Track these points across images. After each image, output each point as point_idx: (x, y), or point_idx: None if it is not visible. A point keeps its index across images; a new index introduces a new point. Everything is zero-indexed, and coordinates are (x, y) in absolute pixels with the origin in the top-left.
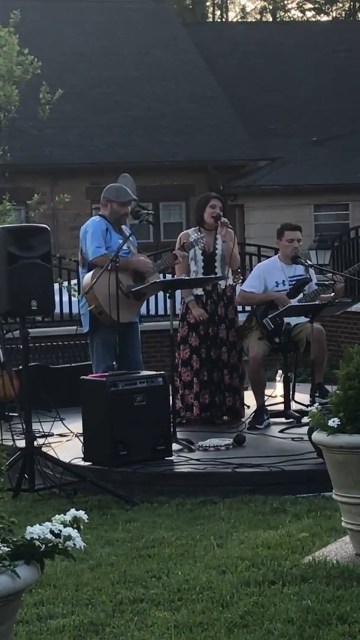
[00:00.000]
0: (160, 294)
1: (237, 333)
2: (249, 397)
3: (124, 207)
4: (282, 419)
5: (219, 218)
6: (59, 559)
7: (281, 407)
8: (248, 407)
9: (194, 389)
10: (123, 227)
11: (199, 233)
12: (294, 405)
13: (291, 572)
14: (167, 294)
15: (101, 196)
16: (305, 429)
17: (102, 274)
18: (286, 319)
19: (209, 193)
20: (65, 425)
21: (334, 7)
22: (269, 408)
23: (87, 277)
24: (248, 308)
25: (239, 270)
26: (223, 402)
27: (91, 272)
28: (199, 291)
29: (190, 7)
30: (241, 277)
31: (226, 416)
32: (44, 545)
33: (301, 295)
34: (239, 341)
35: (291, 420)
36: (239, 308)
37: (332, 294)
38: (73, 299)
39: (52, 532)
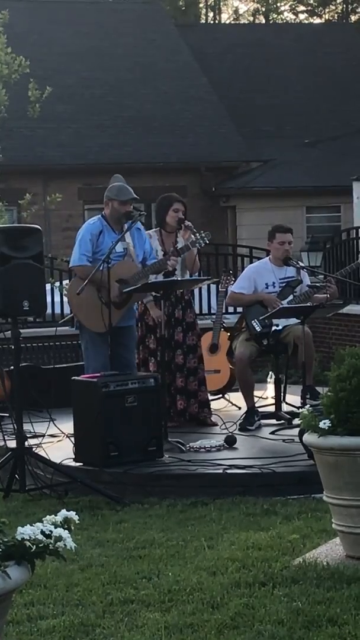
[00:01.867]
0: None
1: (231, 335)
2: (239, 399)
3: (125, 205)
4: (273, 421)
5: (182, 222)
6: (49, 559)
7: (272, 408)
8: (239, 408)
9: None
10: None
11: (159, 235)
12: (285, 407)
13: (282, 574)
14: (158, 295)
15: (104, 195)
16: (296, 431)
17: (87, 283)
18: (275, 321)
19: (170, 195)
20: (56, 426)
21: (327, 10)
22: (259, 409)
23: (69, 285)
24: (240, 309)
25: (230, 272)
26: (173, 406)
27: (72, 280)
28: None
29: (183, 8)
30: (232, 279)
31: (175, 420)
32: (34, 546)
33: (291, 297)
34: (223, 342)
35: (282, 421)
36: (230, 309)
37: (327, 295)
38: (65, 299)
39: (42, 532)
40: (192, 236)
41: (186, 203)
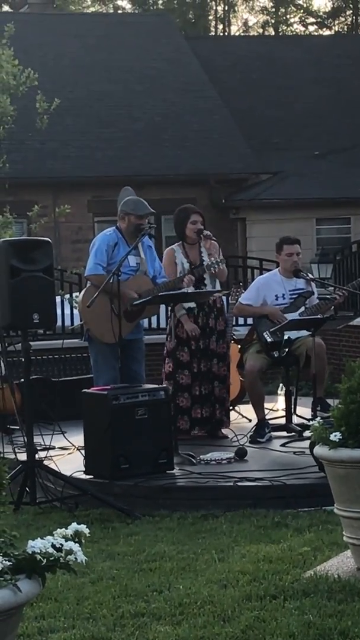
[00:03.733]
0: (163, 307)
1: (241, 346)
2: (249, 411)
3: (142, 219)
4: (284, 433)
5: (201, 232)
6: (60, 572)
7: (283, 420)
8: (249, 420)
9: (182, 404)
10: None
11: (183, 249)
12: (295, 419)
13: (292, 587)
14: (169, 308)
15: (118, 209)
16: (306, 443)
17: (99, 294)
18: (286, 333)
19: (187, 207)
20: (66, 439)
21: (336, 22)
22: (270, 422)
23: (81, 294)
24: (250, 321)
25: (240, 283)
26: (213, 415)
27: (85, 289)
28: (191, 304)
29: (193, 21)
30: (242, 290)
31: (223, 430)
32: (45, 559)
33: (303, 308)
34: (234, 354)
35: (293, 434)
36: (241, 321)
37: (336, 300)
38: (75, 311)
39: (53, 546)
40: (206, 258)
41: (203, 213)
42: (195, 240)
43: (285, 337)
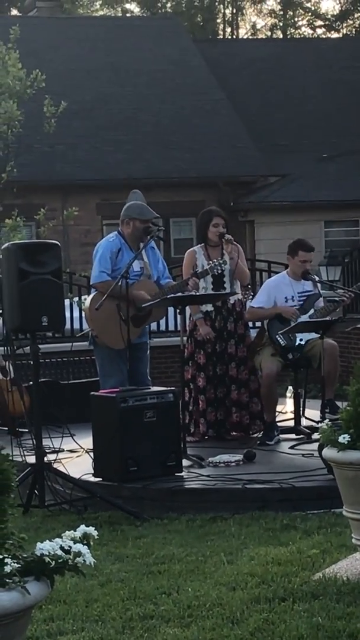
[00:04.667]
0: (171, 309)
1: (248, 349)
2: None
3: (146, 224)
4: (293, 435)
5: (223, 236)
6: (69, 575)
7: (291, 423)
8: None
9: (199, 406)
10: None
11: (205, 250)
12: (304, 422)
13: (301, 589)
14: (177, 310)
15: (122, 214)
16: (315, 445)
17: (106, 299)
18: (298, 335)
19: (210, 210)
20: (75, 441)
21: (344, 24)
22: (279, 424)
23: (87, 300)
24: (259, 324)
25: (249, 286)
26: (228, 419)
27: (91, 295)
28: (209, 307)
29: (201, 24)
30: (251, 294)
31: (234, 432)
32: (54, 562)
33: (312, 311)
34: (250, 357)
35: (301, 436)
36: (250, 324)
37: (339, 308)
38: (83, 314)
39: (62, 548)
40: (211, 262)
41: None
42: (217, 243)
43: (299, 339)
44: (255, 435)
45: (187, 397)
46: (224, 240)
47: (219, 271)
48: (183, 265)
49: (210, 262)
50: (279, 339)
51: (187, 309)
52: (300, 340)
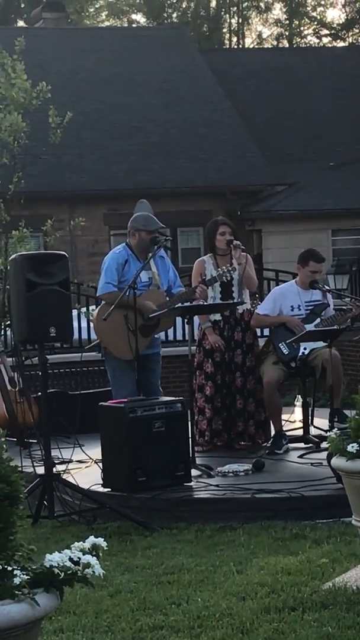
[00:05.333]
0: (179, 319)
1: (255, 358)
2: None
3: (152, 235)
4: (301, 444)
5: (231, 242)
6: (78, 586)
7: (300, 432)
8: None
9: (207, 415)
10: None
11: (214, 259)
12: (312, 430)
13: (311, 599)
14: (185, 320)
15: (128, 225)
16: (324, 454)
17: (113, 310)
18: (302, 344)
19: (215, 220)
20: (84, 452)
21: (350, 33)
22: (287, 433)
23: (95, 312)
24: (267, 332)
25: (256, 295)
26: (233, 428)
27: (99, 307)
28: (217, 316)
29: (207, 33)
30: (258, 302)
31: (242, 442)
32: (63, 573)
33: (319, 320)
34: (257, 366)
35: (310, 445)
36: (258, 332)
37: (351, 312)
38: (91, 324)
39: (71, 559)
40: (220, 269)
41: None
42: (226, 251)
43: (302, 348)
44: (264, 444)
45: (200, 405)
46: (232, 246)
47: (228, 278)
48: (192, 274)
49: (219, 269)
50: (282, 347)
51: (196, 319)
52: (304, 349)
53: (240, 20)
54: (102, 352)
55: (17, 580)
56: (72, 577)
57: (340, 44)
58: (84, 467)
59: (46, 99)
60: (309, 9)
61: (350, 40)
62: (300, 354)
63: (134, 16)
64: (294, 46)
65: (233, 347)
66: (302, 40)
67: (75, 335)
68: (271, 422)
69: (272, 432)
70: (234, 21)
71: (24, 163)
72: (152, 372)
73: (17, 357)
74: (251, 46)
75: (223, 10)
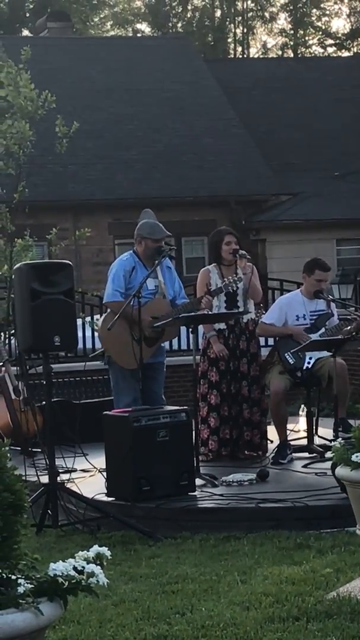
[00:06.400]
0: (183, 328)
1: (259, 367)
2: (272, 432)
3: (158, 243)
4: (305, 454)
5: (237, 252)
6: (82, 595)
7: (304, 441)
8: (271, 441)
9: (212, 424)
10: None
11: (219, 269)
12: (317, 440)
13: (315, 609)
14: (190, 329)
15: (135, 233)
16: (328, 464)
17: (118, 319)
18: (308, 354)
19: (220, 229)
20: (88, 461)
21: (355, 43)
22: (292, 443)
23: (100, 320)
24: (271, 342)
25: (261, 305)
26: (240, 437)
27: (104, 315)
28: (222, 325)
29: (212, 43)
30: (263, 312)
31: (246, 451)
32: (67, 582)
33: (323, 329)
34: (262, 376)
35: (314, 455)
36: (262, 342)
37: (354, 324)
38: (96, 334)
39: (75, 569)
40: (226, 279)
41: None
42: (231, 261)
43: (307, 358)
44: (268, 454)
45: (202, 413)
46: (238, 255)
47: (234, 288)
48: (197, 284)
49: (225, 279)
50: (287, 357)
51: (200, 328)
52: (310, 359)
53: (245, 30)
54: (106, 359)
55: (21, 589)
56: (76, 587)
57: (345, 53)
58: (88, 476)
59: (51, 109)
60: (313, 18)
61: (355, 50)
62: (305, 366)
63: (138, 26)
64: (299, 56)
65: (238, 356)
66: (307, 50)
67: (80, 345)
68: (276, 431)
69: (277, 442)
70: (238, 31)
71: (29, 172)
72: (156, 381)
73: (22, 366)
74: (256, 56)
75: (228, 20)
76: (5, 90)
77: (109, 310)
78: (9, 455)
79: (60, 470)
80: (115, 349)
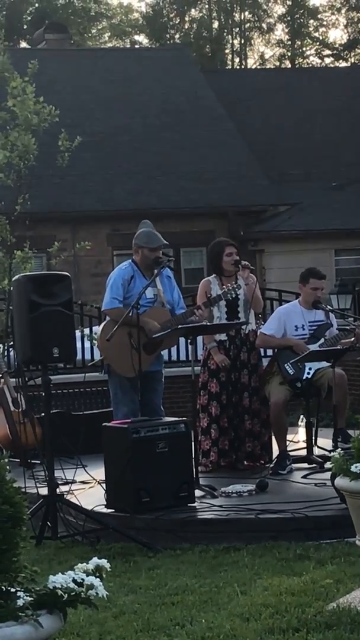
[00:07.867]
0: (182, 339)
1: (259, 378)
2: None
3: (155, 252)
4: (305, 465)
5: (239, 263)
6: (82, 607)
7: (304, 452)
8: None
9: (212, 435)
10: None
11: (219, 280)
12: (316, 451)
13: (315, 620)
14: (189, 340)
15: (132, 242)
16: (328, 475)
17: (118, 327)
18: (307, 364)
19: (219, 241)
20: (87, 472)
21: (352, 53)
22: (291, 453)
23: (100, 329)
24: (270, 352)
25: (259, 315)
26: (241, 448)
27: (103, 324)
28: (222, 336)
29: (209, 54)
30: (262, 323)
31: (246, 462)
32: (66, 595)
33: (322, 340)
34: (261, 386)
35: (314, 465)
36: (262, 352)
37: (353, 339)
38: (94, 345)
39: (74, 581)
40: (225, 287)
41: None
42: (232, 273)
43: (307, 369)
44: (268, 465)
45: (202, 424)
46: (240, 266)
47: (233, 295)
48: (197, 294)
49: (224, 287)
50: (287, 368)
51: (200, 339)
52: (309, 369)
53: (242, 41)
54: (105, 369)
55: (20, 602)
56: (76, 599)
57: (343, 64)
58: (88, 488)
59: (53, 122)
60: (311, 29)
61: (353, 61)
62: (304, 376)
63: (136, 37)
64: (296, 66)
65: (239, 367)
66: (304, 61)
67: (79, 356)
68: (276, 442)
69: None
70: (236, 42)
71: (29, 184)
72: (155, 391)
73: (20, 378)
74: (253, 67)
75: (225, 31)
76: (13, 101)
77: (107, 318)
78: (8, 467)
79: (59, 482)
80: (114, 356)
